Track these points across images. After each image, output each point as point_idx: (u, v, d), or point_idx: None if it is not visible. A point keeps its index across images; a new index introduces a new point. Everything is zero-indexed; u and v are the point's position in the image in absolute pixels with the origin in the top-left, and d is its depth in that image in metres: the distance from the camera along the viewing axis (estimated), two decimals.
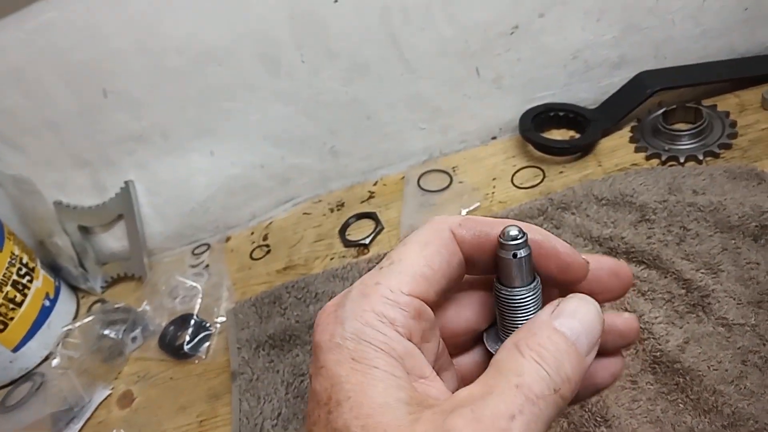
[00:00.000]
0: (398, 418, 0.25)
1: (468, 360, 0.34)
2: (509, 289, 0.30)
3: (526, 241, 0.29)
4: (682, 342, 0.52)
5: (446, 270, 0.30)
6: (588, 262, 0.31)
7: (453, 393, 0.28)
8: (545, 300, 0.31)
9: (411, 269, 0.29)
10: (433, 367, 0.30)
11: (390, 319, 0.28)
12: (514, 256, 0.29)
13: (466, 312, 0.33)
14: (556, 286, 0.32)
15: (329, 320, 0.29)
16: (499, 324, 0.31)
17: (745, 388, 0.48)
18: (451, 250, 0.30)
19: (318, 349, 0.28)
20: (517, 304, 0.30)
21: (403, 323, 0.28)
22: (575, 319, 0.28)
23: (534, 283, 0.30)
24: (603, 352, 0.32)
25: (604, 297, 0.32)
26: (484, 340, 0.33)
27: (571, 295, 0.29)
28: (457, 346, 0.33)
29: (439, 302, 0.31)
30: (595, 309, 0.29)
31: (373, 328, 0.28)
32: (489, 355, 0.32)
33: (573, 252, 0.31)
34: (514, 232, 0.29)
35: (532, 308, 0.30)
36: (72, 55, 0.73)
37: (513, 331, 0.30)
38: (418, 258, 0.29)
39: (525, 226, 0.30)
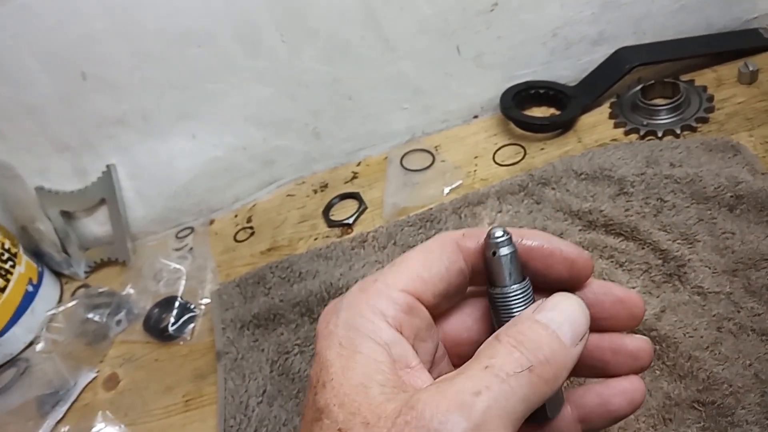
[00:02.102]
0: (372, 398, 0.26)
1: None
2: (498, 289, 0.31)
3: (509, 240, 0.31)
4: (659, 311, 0.53)
5: (444, 274, 0.31)
6: (590, 256, 0.32)
7: None
8: None
9: (408, 270, 0.31)
10: (430, 369, 0.31)
11: (381, 310, 0.29)
12: (494, 254, 0.30)
13: (468, 321, 0.34)
14: (564, 287, 0.32)
15: (329, 311, 0.31)
16: (495, 328, 0.32)
17: (719, 353, 0.49)
18: (453, 258, 0.32)
19: (315, 337, 0.30)
20: (506, 304, 0.30)
21: (393, 315, 0.29)
22: (556, 311, 0.29)
23: (522, 283, 0.31)
24: (615, 375, 0.33)
25: (611, 324, 0.33)
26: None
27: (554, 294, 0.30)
28: (461, 356, 0.34)
29: (438, 305, 0.32)
30: (576, 302, 0.29)
31: (363, 317, 0.29)
32: None
33: (576, 248, 0.32)
34: (497, 231, 0.31)
35: (522, 307, 0.30)
36: (49, 38, 0.72)
37: None
38: (417, 261, 0.31)
39: (527, 232, 0.32)
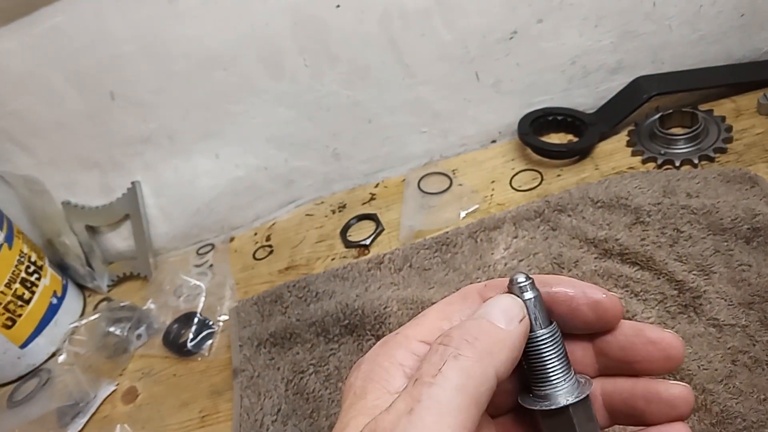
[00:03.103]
0: None
1: (510, 419, 0.34)
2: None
3: (532, 284, 0.31)
4: None
5: None
6: (621, 300, 0.31)
7: None
8: (586, 360, 0.32)
9: (428, 321, 0.31)
10: None
11: (399, 361, 0.29)
12: (520, 297, 0.30)
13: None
14: (592, 331, 0.32)
15: (354, 367, 0.31)
16: (527, 375, 0.32)
17: (734, 387, 0.49)
18: (474, 308, 0.31)
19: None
20: (536, 350, 0.30)
21: (411, 365, 0.29)
22: (483, 307, 0.30)
23: (550, 327, 0.30)
24: (656, 423, 0.31)
25: (645, 368, 0.31)
26: (519, 396, 0.32)
27: None
28: (497, 406, 0.33)
29: None
30: (507, 294, 0.30)
31: (380, 366, 0.30)
32: (525, 411, 0.32)
33: (601, 289, 0.31)
34: (519, 277, 0.31)
35: (551, 352, 0.30)
36: (80, 58, 0.75)
37: (537, 379, 0.30)
38: (438, 313, 0.31)
39: (550, 278, 0.32)
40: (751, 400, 0.48)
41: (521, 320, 0.29)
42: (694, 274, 0.57)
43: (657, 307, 0.56)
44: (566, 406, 0.29)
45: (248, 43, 0.75)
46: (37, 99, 0.78)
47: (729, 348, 0.51)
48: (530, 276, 0.31)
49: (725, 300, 0.55)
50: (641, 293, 0.58)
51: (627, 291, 0.59)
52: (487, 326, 0.28)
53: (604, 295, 0.31)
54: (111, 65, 0.76)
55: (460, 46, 0.77)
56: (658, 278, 0.58)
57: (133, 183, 0.85)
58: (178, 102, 0.79)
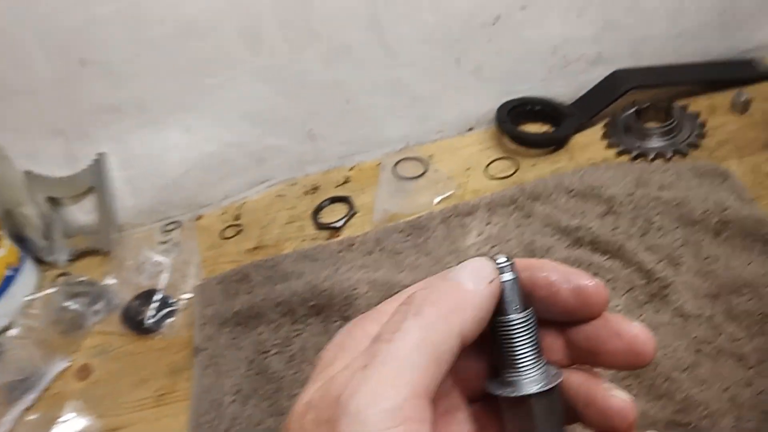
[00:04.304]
0: None
1: (487, 406, 0.32)
2: (499, 318, 0.29)
3: (511, 266, 0.29)
4: None
5: None
6: (606, 288, 0.29)
7: None
8: (555, 346, 0.30)
9: None
10: (437, 402, 0.29)
11: (371, 332, 0.28)
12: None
13: (473, 354, 0.32)
14: (574, 318, 0.30)
15: (329, 341, 0.30)
16: (495, 360, 0.30)
17: (697, 375, 0.49)
18: None
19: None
20: (507, 334, 0.29)
21: None
22: (453, 269, 0.28)
23: (524, 313, 0.29)
24: (592, 427, 0.29)
25: (608, 360, 0.29)
26: (486, 381, 0.31)
27: None
28: (473, 390, 0.32)
29: None
30: (479, 257, 0.29)
31: (352, 338, 0.28)
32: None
33: (585, 274, 0.29)
34: (500, 258, 0.29)
35: (522, 338, 0.29)
36: (51, 21, 0.72)
37: (505, 364, 0.29)
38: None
39: (533, 261, 0.30)
40: (713, 389, 0.48)
41: (491, 281, 0.28)
42: (662, 265, 0.57)
43: (625, 296, 0.56)
44: (528, 396, 0.28)
45: (227, 13, 0.72)
46: (3, 60, 0.74)
47: (694, 338, 0.52)
48: (511, 258, 0.29)
49: (692, 291, 0.55)
50: (610, 281, 0.58)
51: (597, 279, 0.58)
52: (453, 286, 0.27)
53: (589, 282, 0.29)
54: (83, 29, 0.73)
55: (442, 28, 0.76)
56: (628, 267, 0.58)
57: (99, 154, 0.83)
58: (150, 71, 0.76)
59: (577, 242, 0.62)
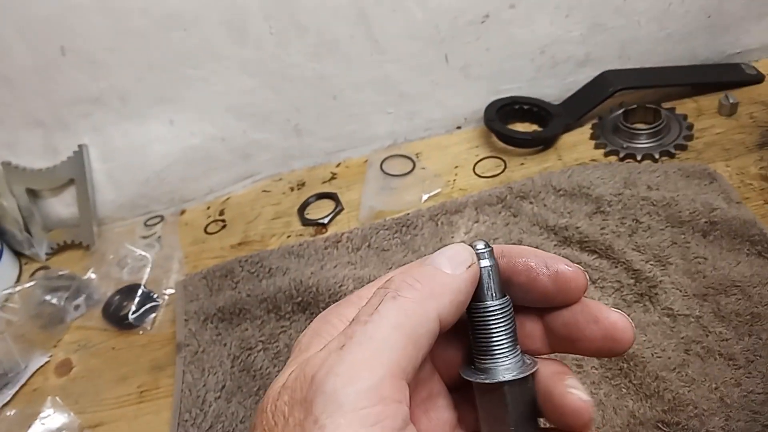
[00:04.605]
0: None
1: (465, 394, 0.32)
2: (476, 304, 0.29)
3: (490, 253, 0.29)
4: None
5: None
6: (585, 273, 0.29)
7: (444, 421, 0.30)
8: (534, 334, 0.30)
9: None
10: (417, 389, 0.29)
11: (348, 317, 0.28)
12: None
13: (454, 341, 0.32)
14: (553, 304, 0.29)
15: (306, 327, 0.31)
16: (471, 347, 0.30)
17: (686, 375, 0.49)
18: None
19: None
20: (483, 320, 0.29)
21: None
22: (433, 255, 0.29)
23: (501, 300, 0.29)
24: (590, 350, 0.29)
25: (586, 347, 0.29)
26: (460, 367, 0.31)
27: None
28: (453, 377, 0.32)
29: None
30: (458, 243, 0.29)
31: (328, 323, 0.29)
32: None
33: (562, 259, 0.29)
34: (479, 244, 0.29)
35: (498, 326, 0.29)
36: (32, 8, 0.70)
37: (480, 351, 0.29)
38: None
39: (512, 248, 0.30)
40: (702, 388, 0.48)
41: (469, 266, 0.28)
42: (651, 264, 0.57)
43: (614, 295, 0.56)
44: (502, 383, 0.28)
45: (212, 3, 0.71)
46: None
47: (682, 337, 0.52)
48: (490, 244, 0.30)
49: (680, 291, 0.55)
50: (599, 281, 0.58)
51: None
52: (431, 270, 0.27)
53: (567, 267, 0.29)
54: (64, 17, 0.71)
55: (431, 25, 0.76)
56: (616, 267, 0.58)
57: (80, 146, 0.81)
58: (133, 61, 0.75)
59: (566, 241, 0.62)
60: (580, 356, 0.52)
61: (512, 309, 0.29)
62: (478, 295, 0.29)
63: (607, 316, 0.28)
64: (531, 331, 0.31)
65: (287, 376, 0.26)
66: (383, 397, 0.23)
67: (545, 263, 0.29)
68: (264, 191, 0.85)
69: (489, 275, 0.29)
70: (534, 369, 0.28)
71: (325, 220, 0.76)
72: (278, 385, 0.26)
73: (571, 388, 0.27)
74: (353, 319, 0.26)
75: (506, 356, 0.28)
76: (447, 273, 0.27)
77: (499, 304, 0.29)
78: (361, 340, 0.24)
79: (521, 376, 0.28)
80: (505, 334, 0.29)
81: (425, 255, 0.65)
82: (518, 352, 0.29)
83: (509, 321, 0.29)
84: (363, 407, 0.23)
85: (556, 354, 0.31)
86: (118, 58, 0.74)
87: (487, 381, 0.28)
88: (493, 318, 0.29)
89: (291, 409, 0.24)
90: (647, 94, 0.78)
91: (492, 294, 0.29)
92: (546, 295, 0.29)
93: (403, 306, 0.25)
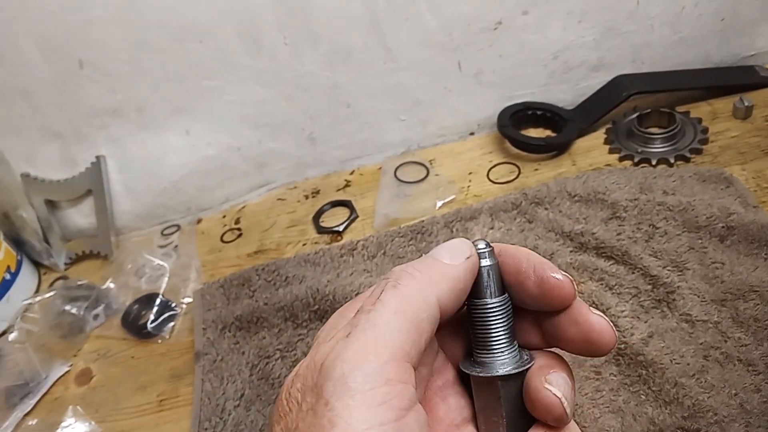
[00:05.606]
0: None
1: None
2: (475, 301, 0.30)
3: (491, 252, 0.30)
4: (646, 336, 0.53)
5: None
6: (574, 282, 0.29)
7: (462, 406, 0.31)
8: (533, 329, 0.31)
9: None
10: (432, 378, 0.31)
11: None
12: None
13: (466, 334, 0.33)
14: (541, 307, 0.30)
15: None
16: (471, 341, 0.31)
17: (705, 381, 0.49)
18: None
19: None
20: (482, 317, 0.30)
21: None
22: (434, 248, 0.30)
23: (500, 298, 0.30)
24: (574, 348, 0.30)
25: (568, 347, 0.30)
26: (460, 360, 0.32)
27: None
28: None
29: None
30: (458, 238, 0.31)
31: (343, 318, 0.31)
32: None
33: (551, 266, 0.29)
34: (480, 243, 0.31)
35: (496, 322, 0.30)
36: (49, 21, 0.71)
37: (478, 345, 0.30)
38: None
39: (508, 247, 0.31)
40: (722, 394, 0.47)
41: (468, 257, 0.29)
42: (668, 270, 0.57)
43: (631, 301, 0.56)
44: (496, 377, 0.29)
45: (226, 15, 0.72)
46: (1, 62, 0.74)
47: (701, 343, 0.51)
48: (490, 244, 0.31)
49: (698, 296, 0.55)
50: (616, 287, 0.58)
51: (602, 284, 0.58)
52: (430, 260, 0.29)
53: (554, 275, 0.29)
54: (81, 30, 0.72)
55: (444, 33, 0.76)
56: (633, 272, 0.58)
57: (97, 157, 0.82)
58: (149, 73, 0.76)
59: (582, 247, 0.62)
60: (599, 363, 0.52)
61: (511, 306, 0.31)
62: (477, 292, 0.30)
63: (586, 318, 0.29)
64: (529, 326, 0.32)
65: (301, 365, 0.28)
66: (389, 378, 0.25)
67: (534, 268, 0.30)
68: (279, 199, 0.85)
69: (489, 274, 0.30)
70: (529, 365, 0.30)
71: (340, 228, 0.77)
72: (292, 374, 0.28)
73: (547, 384, 0.28)
74: (358, 310, 0.27)
75: (503, 351, 0.30)
76: (446, 263, 0.29)
77: (498, 302, 0.30)
78: (366, 327, 0.26)
79: (515, 371, 0.29)
80: (503, 331, 0.30)
81: None
82: (515, 347, 0.30)
83: (507, 318, 0.30)
84: (370, 389, 0.24)
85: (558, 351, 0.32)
86: (135, 70, 0.75)
87: (482, 374, 0.29)
88: (491, 315, 0.30)
89: (303, 395, 0.26)
90: (661, 98, 0.78)
91: (491, 292, 0.30)
92: (533, 299, 0.30)
93: (404, 293, 0.27)
